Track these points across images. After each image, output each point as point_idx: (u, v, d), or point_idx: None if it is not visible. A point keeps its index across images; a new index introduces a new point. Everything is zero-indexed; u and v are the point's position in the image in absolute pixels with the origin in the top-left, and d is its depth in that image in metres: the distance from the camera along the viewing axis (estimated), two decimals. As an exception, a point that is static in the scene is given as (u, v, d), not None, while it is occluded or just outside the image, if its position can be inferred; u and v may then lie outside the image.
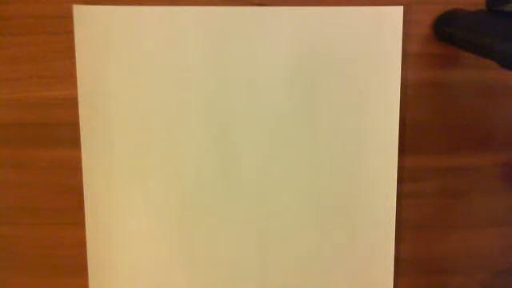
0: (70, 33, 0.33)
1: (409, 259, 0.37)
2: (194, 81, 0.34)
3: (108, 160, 0.34)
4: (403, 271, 0.37)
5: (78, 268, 0.35)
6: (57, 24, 0.33)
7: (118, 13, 0.33)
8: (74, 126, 0.33)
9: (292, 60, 0.34)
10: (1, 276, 0.35)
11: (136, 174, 0.34)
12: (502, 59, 0.27)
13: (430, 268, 0.38)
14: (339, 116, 0.35)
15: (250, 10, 0.33)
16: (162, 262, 0.35)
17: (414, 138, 0.36)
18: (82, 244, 0.34)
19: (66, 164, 0.34)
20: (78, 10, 0.32)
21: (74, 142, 0.34)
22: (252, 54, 0.34)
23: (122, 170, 0.34)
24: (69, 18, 0.32)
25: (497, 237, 0.38)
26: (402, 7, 0.34)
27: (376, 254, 0.36)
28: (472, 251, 0.38)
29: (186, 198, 0.35)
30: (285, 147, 0.35)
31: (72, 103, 0.33)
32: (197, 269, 0.35)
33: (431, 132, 0.36)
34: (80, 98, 0.33)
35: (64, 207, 0.35)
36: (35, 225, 0.35)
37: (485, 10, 0.30)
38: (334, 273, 0.36)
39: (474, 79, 0.36)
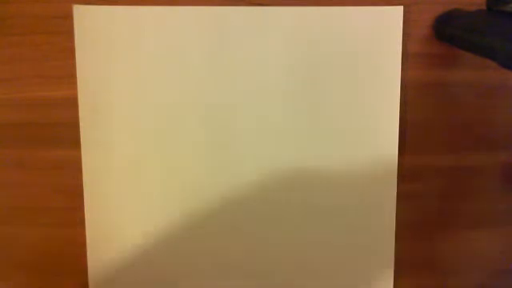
0: (70, 33, 0.33)
1: (409, 259, 0.37)
2: (194, 81, 0.34)
3: (108, 160, 0.34)
4: (403, 271, 0.37)
5: (78, 268, 0.35)
6: (57, 24, 0.33)
7: (118, 13, 0.33)
8: (73, 126, 0.33)
9: (292, 60, 0.34)
10: (1, 276, 0.35)
11: (136, 174, 0.34)
12: (502, 59, 0.27)
13: (430, 268, 0.38)
14: (339, 116, 0.35)
15: (249, 9, 0.33)
16: (163, 261, 0.35)
17: (414, 137, 0.36)
18: (82, 244, 0.34)
19: (66, 164, 0.34)
20: (78, 10, 0.32)
21: (74, 142, 0.34)
22: (252, 54, 0.34)
23: (122, 170, 0.34)
24: (69, 18, 0.32)
25: (497, 237, 0.38)
26: (401, 7, 0.34)
27: (376, 254, 0.36)
28: (472, 251, 0.38)
29: (186, 197, 0.35)
30: (284, 147, 0.35)
31: (72, 103, 0.33)
32: (198, 266, 0.35)
33: (431, 132, 0.36)
34: (80, 98, 0.33)
35: (64, 207, 0.34)
36: (35, 225, 0.35)
37: (485, 9, 0.30)
38: (333, 273, 0.36)
39: (474, 79, 0.36)
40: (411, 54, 0.35)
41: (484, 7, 0.30)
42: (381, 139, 0.35)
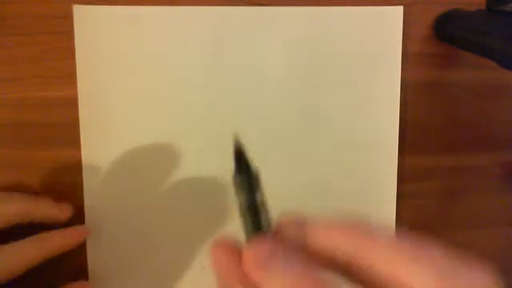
0: (70, 33, 0.33)
1: (409, 259, 0.37)
2: (194, 81, 0.34)
3: (108, 160, 0.34)
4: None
5: (78, 268, 0.35)
6: (57, 24, 0.33)
7: (118, 13, 0.33)
8: (73, 126, 0.33)
9: (292, 60, 0.34)
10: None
11: (136, 175, 0.34)
12: (502, 59, 0.27)
13: (429, 268, 0.38)
14: (339, 116, 0.35)
15: (250, 9, 0.33)
16: (163, 260, 0.35)
17: (413, 137, 0.36)
18: (81, 244, 0.34)
19: (66, 164, 0.34)
20: (78, 10, 0.32)
21: (74, 141, 0.34)
22: (252, 54, 0.34)
23: (122, 171, 0.34)
24: (69, 18, 0.32)
25: (497, 237, 0.38)
26: (401, 7, 0.34)
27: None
28: (472, 251, 0.38)
29: (186, 198, 0.34)
30: (284, 147, 0.35)
31: (72, 103, 0.33)
32: (199, 268, 0.35)
33: (431, 132, 0.36)
34: (80, 98, 0.33)
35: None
36: (35, 225, 0.35)
37: (485, 9, 0.30)
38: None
39: (474, 79, 0.36)
40: (411, 53, 0.35)
41: (484, 7, 0.30)
42: (381, 139, 0.35)
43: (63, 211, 0.32)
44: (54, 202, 0.32)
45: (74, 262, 0.35)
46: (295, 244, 0.17)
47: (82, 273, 0.35)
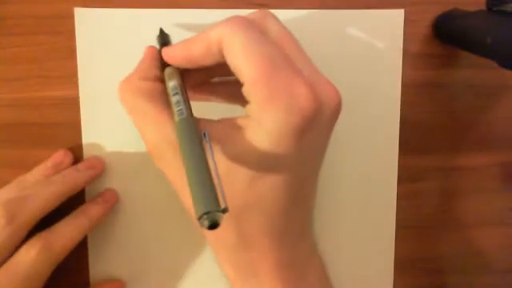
0: (70, 33, 0.33)
1: (409, 259, 0.37)
2: (194, 81, 0.34)
3: (108, 161, 0.34)
4: (403, 271, 0.37)
5: (79, 268, 0.35)
6: (57, 24, 0.33)
7: (118, 15, 0.33)
8: (75, 126, 0.33)
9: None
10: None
11: (136, 175, 0.34)
12: (502, 59, 0.27)
13: (430, 268, 0.38)
14: (339, 117, 0.35)
15: (249, 12, 0.33)
16: (165, 260, 0.35)
17: (414, 137, 0.36)
18: (82, 244, 0.34)
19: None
20: (80, 13, 0.32)
21: (76, 142, 0.34)
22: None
23: (122, 171, 0.34)
24: (69, 18, 0.32)
25: (497, 237, 0.38)
26: (402, 10, 0.34)
27: (376, 253, 0.36)
28: (472, 251, 0.38)
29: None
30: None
31: (72, 103, 0.33)
32: (199, 266, 0.35)
33: (431, 132, 0.36)
34: (81, 98, 0.33)
35: (64, 207, 0.34)
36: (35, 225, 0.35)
37: (485, 10, 0.30)
38: (333, 273, 0.36)
39: (474, 79, 0.36)
40: (411, 54, 0.35)
41: (484, 7, 0.30)
42: (381, 139, 0.35)
43: (96, 165, 0.33)
44: (76, 166, 0.33)
45: (74, 262, 0.35)
46: None
47: (82, 274, 0.35)
